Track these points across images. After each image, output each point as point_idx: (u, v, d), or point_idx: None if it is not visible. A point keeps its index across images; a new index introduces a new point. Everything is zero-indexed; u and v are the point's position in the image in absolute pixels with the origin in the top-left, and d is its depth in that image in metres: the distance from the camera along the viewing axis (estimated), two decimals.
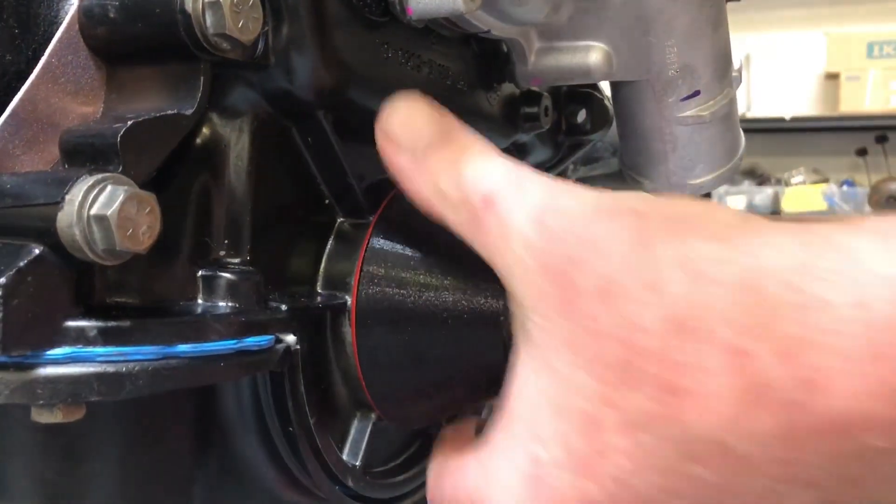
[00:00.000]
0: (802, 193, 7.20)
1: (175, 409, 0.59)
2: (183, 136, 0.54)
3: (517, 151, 0.93)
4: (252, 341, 0.57)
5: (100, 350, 0.49)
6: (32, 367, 0.48)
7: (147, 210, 0.48)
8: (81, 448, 0.57)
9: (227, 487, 0.63)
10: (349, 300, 0.66)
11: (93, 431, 0.56)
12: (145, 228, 0.48)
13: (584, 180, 1.28)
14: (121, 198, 0.46)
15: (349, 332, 0.66)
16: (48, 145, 0.55)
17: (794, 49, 7.63)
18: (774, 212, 7.26)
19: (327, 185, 0.67)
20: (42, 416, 0.50)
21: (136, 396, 0.51)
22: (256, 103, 0.60)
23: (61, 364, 0.48)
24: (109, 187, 0.47)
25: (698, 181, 0.87)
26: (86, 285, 0.51)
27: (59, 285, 0.48)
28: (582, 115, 0.97)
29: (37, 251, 0.47)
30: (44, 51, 0.55)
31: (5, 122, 0.52)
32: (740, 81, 0.87)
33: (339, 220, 0.69)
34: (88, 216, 0.46)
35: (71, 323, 0.49)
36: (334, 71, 0.62)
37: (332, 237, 0.68)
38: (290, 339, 0.60)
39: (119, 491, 0.58)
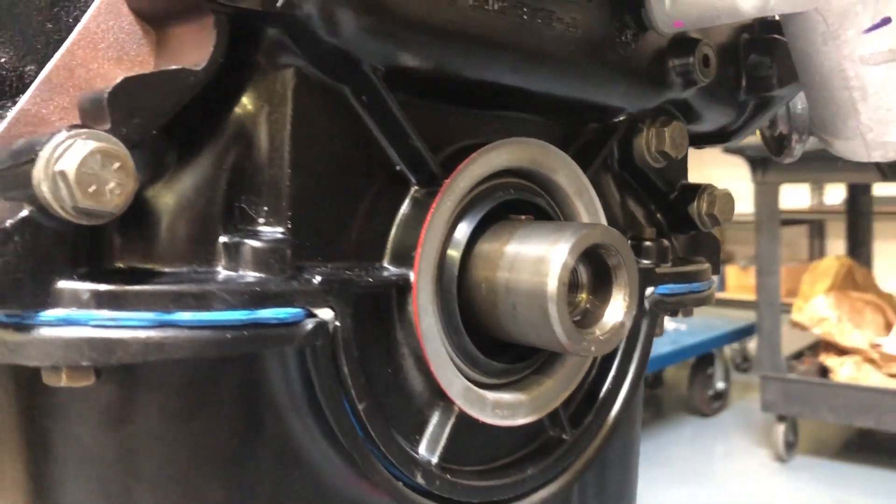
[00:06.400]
0: None
1: (214, 382, 0.57)
2: (191, 92, 0.51)
3: (681, 113, 0.80)
4: (269, 314, 0.52)
5: (92, 314, 0.48)
6: (30, 328, 0.48)
7: (115, 166, 0.45)
8: (123, 415, 0.56)
9: (284, 472, 0.59)
10: (412, 276, 0.59)
11: (132, 399, 0.56)
12: (113, 185, 0.45)
13: (814, 152, 1.08)
14: (84, 152, 0.45)
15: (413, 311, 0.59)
16: None
17: None
18: None
19: (394, 149, 0.60)
20: (51, 379, 0.50)
21: (128, 363, 0.49)
22: (295, 59, 0.55)
23: (54, 326, 0.48)
24: (78, 142, 0.45)
25: None
26: (89, 246, 0.49)
27: (53, 246, 0.47)
28: (767, 67, 0.80)
29: (25, 212, 0.46)
30: None
31: (37, 88, 0.53)
32: None
33: (413, 188, 0.62)
34: (53, 172, 0.45)
35: (65, 285, 0.48)
36: (378, 16, 0.56)
37: (404, 207, 0.62)
38: (326, 314, 0.55)
39: (161, 461, 0.57)
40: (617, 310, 0.63)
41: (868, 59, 0.64)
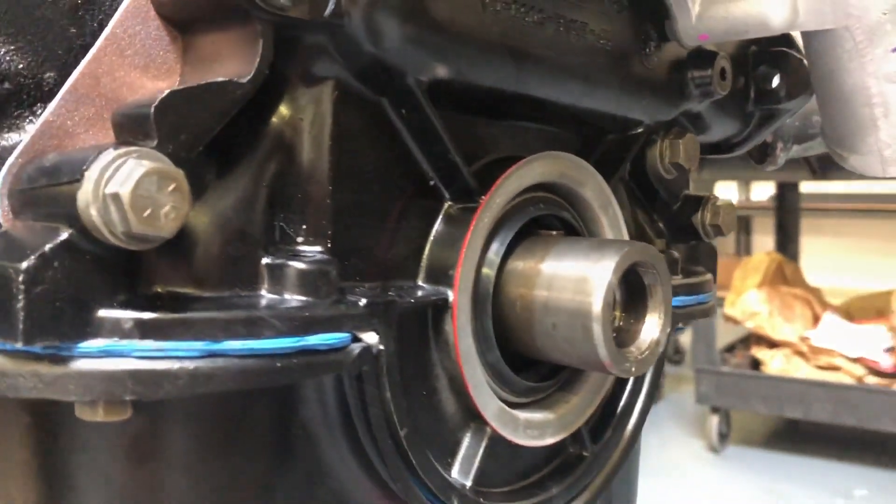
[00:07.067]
0: None
1: (247, 411, 0.54)
2: (237, 106, 0.48)
3: (692, 124, 0.79)
4: (318, 340, 0.50)
5: (136, 345, 0.45)
6: (67, 360, 0.44)
7: (171, 188, 0.42)
8: (149, 448, 0.53)
9: (315, 500, 0.57)
10: (451, 295, 0.57)
11: (159, 430, 0.52)
12: (168, 209, 0.42)
13: (797, 162, 1.10)
14: (138, 174, 0.41)
15: (452, 331, 0.57)
16: None
17: None
18: None
19: (430, 163, 0.58)
20: (85, 414, 0.46)
21: (176, 397, 0.46)
22: (336, 71, 0.53)
23: (95, 358, 0.44)
24: (130, 162, 0.42)
25: None
26: (128, 272, 0.46)
27: (92, 272, 0.44)
28: (776, 80, 0.80)
29: (65, 235, 0.43)
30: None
31: (63, 98, 0.49)
32: None
33: (447, 203, 0.60)
34: (104, 194, 0.41)
35: (105, 313, 0.44)
36: (424, 28, 0.53)
37: (438, 223, 0.60)
38: (371, 338, 0.52)
39: (190, 492, 0.53)
40: (653, 327, 0.62)
41: (893, 76, 0.64)
